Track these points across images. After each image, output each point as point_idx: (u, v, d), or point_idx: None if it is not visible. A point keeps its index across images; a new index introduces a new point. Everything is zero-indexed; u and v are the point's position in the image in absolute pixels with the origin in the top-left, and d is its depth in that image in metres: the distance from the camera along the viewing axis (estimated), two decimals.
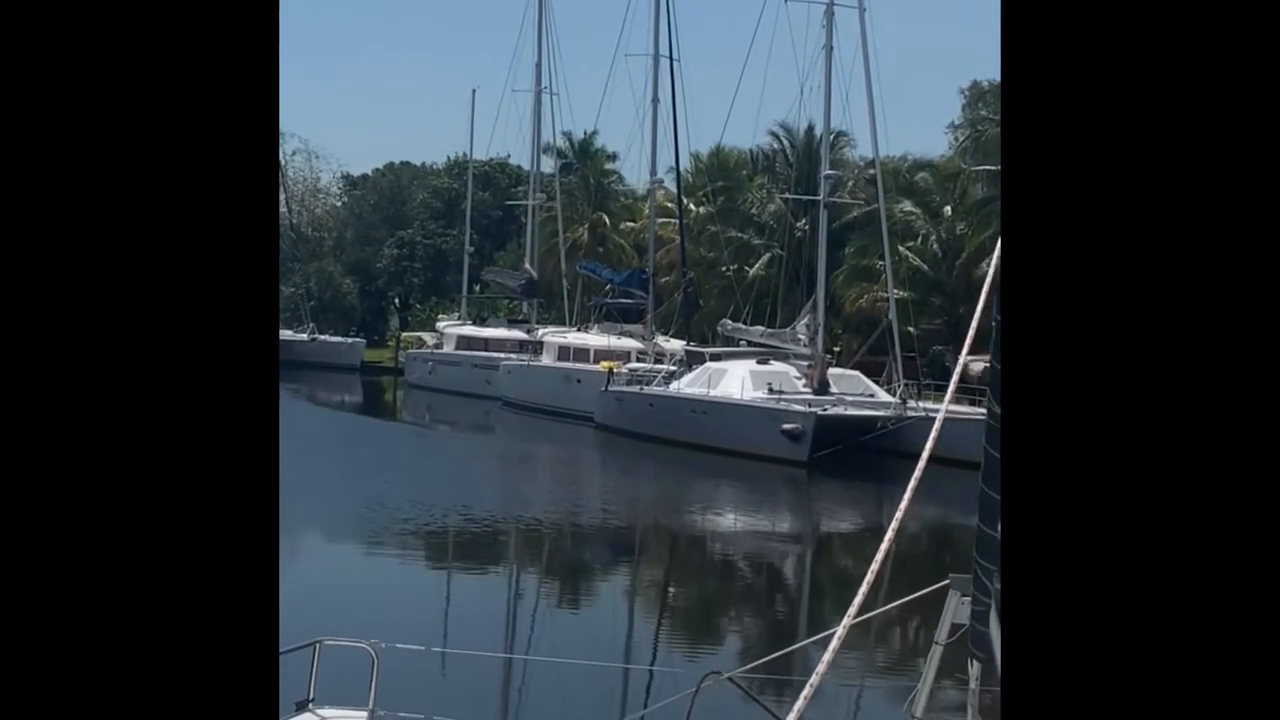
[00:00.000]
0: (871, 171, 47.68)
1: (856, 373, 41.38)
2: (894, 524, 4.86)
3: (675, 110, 49.63)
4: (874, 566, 4.71)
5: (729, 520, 30.26)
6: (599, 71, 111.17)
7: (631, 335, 52.07)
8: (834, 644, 4.47)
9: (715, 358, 42.54)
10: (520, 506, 28.11)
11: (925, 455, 5.16)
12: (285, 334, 69.53)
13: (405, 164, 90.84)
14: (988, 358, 4.67)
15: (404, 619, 16.66)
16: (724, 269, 53.81)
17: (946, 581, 5.82)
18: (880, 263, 44.96)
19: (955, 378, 6.39)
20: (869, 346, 44.22)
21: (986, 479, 4.85)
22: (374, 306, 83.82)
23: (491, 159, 77.46)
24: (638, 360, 48.70)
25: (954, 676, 6.29)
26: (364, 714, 7.67)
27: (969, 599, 5.51)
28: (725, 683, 7.59)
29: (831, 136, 46.11)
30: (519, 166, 75.02)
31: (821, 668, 4.42)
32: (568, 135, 69.12)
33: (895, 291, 41.94)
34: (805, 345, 42.10)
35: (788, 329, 43.64)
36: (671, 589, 22.77)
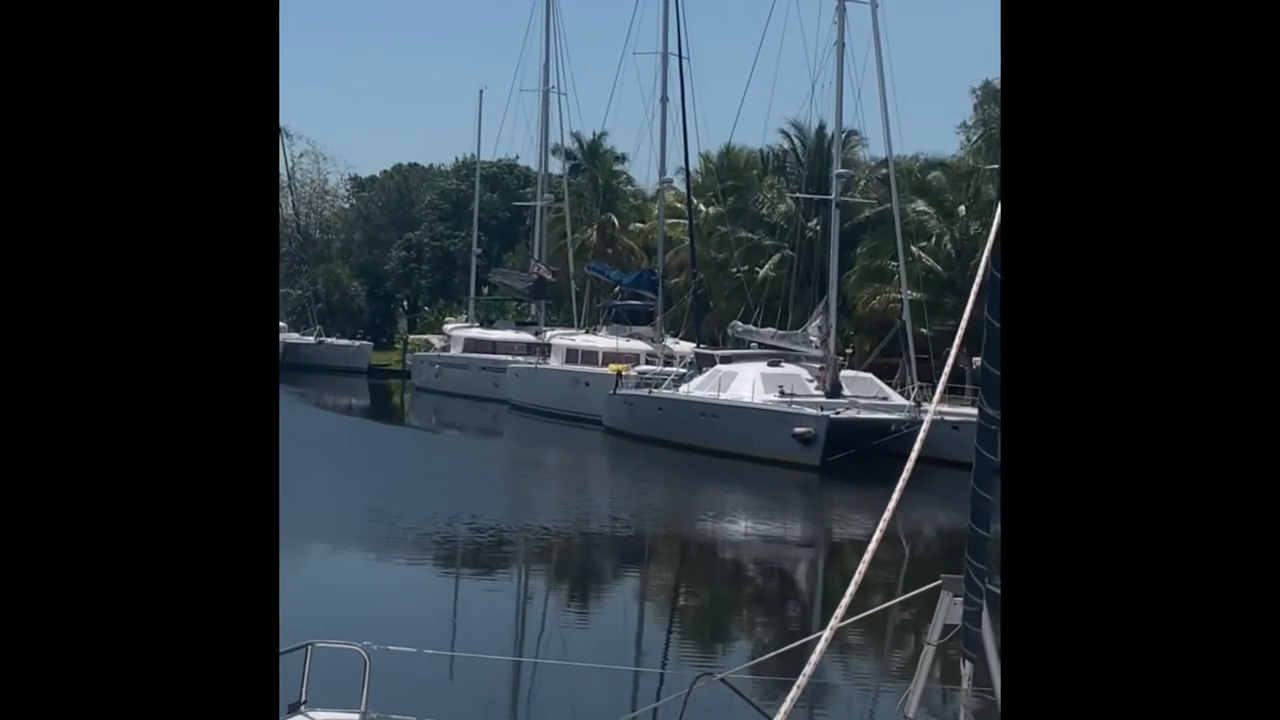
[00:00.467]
0: (883, 171, 47.20)
1: (869, 375, 40.91)
2: (882, 524, 4.93)
3: (684, 109, 49.40)
4: (861, 567, 4.79)
5: (740, 526, 29.78)
6: (607, 70, 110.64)
7: (640, 337, 51.78)
8: (821, 645, 4.49)
9: (725, 360, 42.07)
10: (527, 514, 27.67)
11: (913, 456, 5.14)
12: (292, 337, 69.56)
13: (413, 165, 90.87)
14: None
15: (407, 624, 16.27)
16: (734, 270, 53.31)
17: (939, 582, 5.84)
18: (893, 263, 44.43)
19: (944, 378, 6.31)
20: (882, 349, 43.65)
21: (978, 480, 4.91)
22: (382, 309, 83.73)
23: (499, 160, 77.25)
24: (647, 363, 48.37)
25: (947, 677, 6.25)
26: (356, 716, 7.71)
27: (961, 599, 5.56)
28: (721, 686, 7.68)
29: (843, 135, 45.53)
30: (527, 167, 74.79)
31: (809, 669, 4.43)
32: (577, 136, 69.00)
33: (909, 292, 41.34)
34: (817, 347, 41.57)
35: (799, 331, 43.09)
36: (680, 595, 22.47)
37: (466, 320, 66.79)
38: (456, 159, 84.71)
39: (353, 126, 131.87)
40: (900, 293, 41.97)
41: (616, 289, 56.37)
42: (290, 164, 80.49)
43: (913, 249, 45.90)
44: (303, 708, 7.54)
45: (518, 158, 76.80)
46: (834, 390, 38.69)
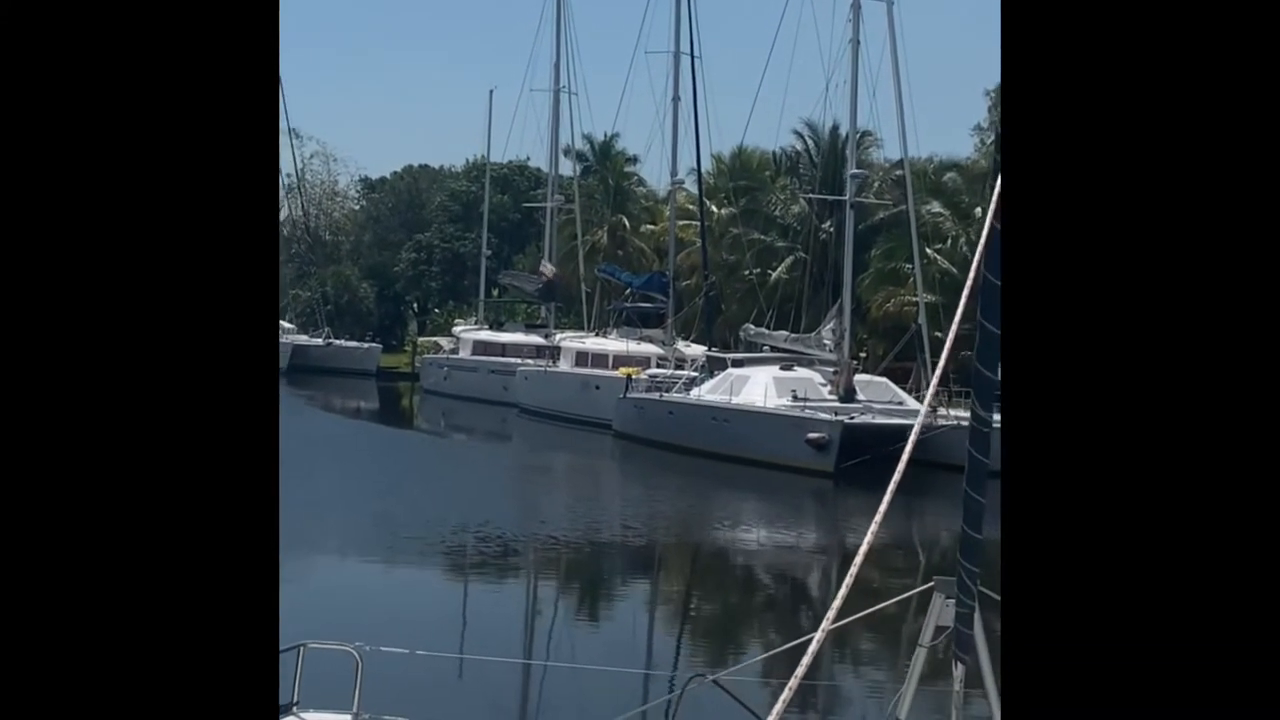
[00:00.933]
0: (898, 173, 46.67)
1: (884, 379, 40.32)
2: (874, 525, 4.94)
3: (696, 109, 48.97)
4: (853, 569, 4.79)
5: (754, 534, 29.32)
6: (619, 69, 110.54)
7: (651, 340, 51.40)
8: (813, 647, 4.52)
9: (737, 364, 41.54)
10: (536, 524, 27.20)
11: (904, 458, 5.17)
12: (300, 339, 69.39)
13: (423, 167, 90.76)
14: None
15: (410, 629, 16.01)
16: (747, 272, 52.77)
17: (931, 584, 5.89)
18: (907, 265, 43.94)
19: (934, 382, 6.40)
20: (897, 352, 43.06)
21: (970, 482, 4.99)
22: (391, 311, 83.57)
23: (510, 161, 76.87)
24: (657, 366, 47.85)
25: (938, 679, 6.45)
26: (348, 717, 7.80)
27: (953, 601, 5.62)
28: (715, 688, 7.73)
29: (858, 135, 44.98)
30: (538, 169, 74.29)
31: (801, 670, 4.43)
32: (588, 138, 68.49)
33: (924, 295, 40.73)
34: (830, 351, 41.08)
35: (812, 334, 42.64)
36: (691, 603, 22.23)
37: (476, 322, 66.41)
38: (467, 160, 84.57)
39: (363, 128, 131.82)
40: (915, 295, 41.43)
41: (627, 291, 55.98)
42: (300, 165, 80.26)
43: (928, 251, 45.32)
44: (294, 709, 7.58)
45: (528, 159, 76.52)
46: (848, 395, 38.12)
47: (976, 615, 5.48)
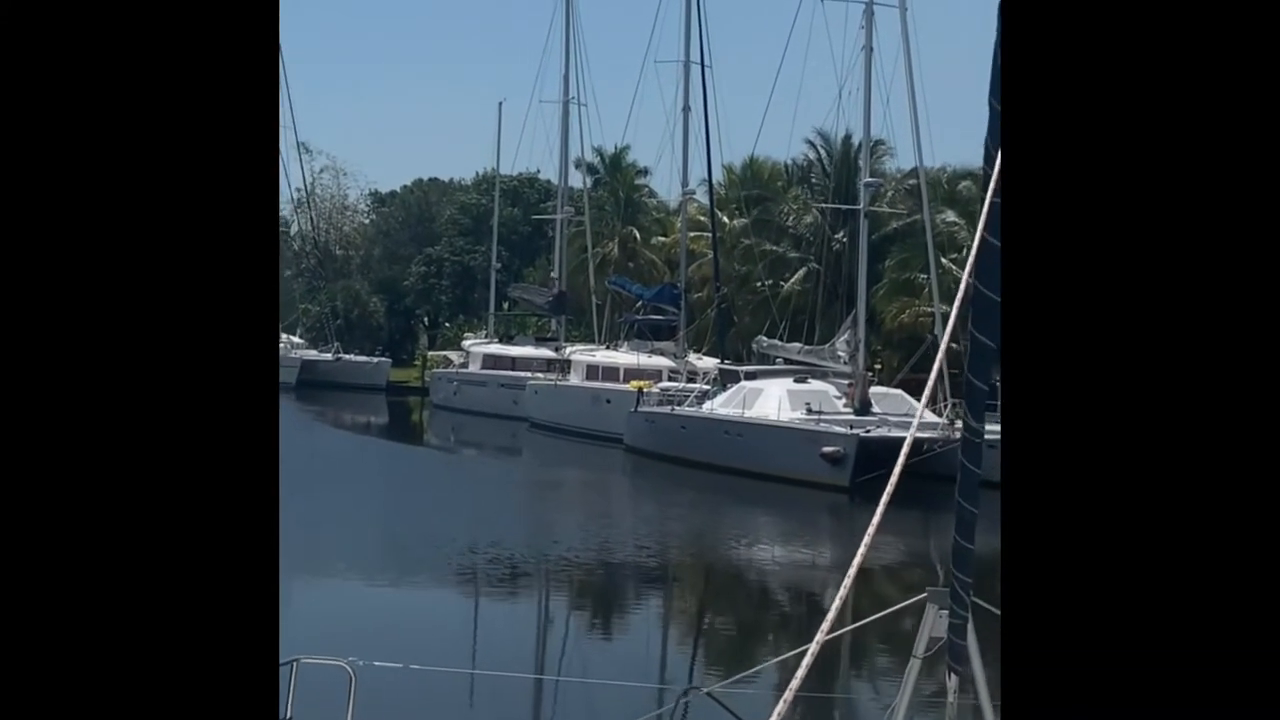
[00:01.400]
0: (911, 182, 46.20)
1: (899, 391, 39.80)
2: (867, 537, 4.92)
3: (707, 118, 48.73)
4: (847, 581, 4.81)
5: (769, 552, 28.88)
6: (628, 80, 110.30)
7: (663, 353, 50.93)
8: (807, 659, 4.59)
9: (750, 376, 41.03)
10: (548, 543, 26.82)
11: (898, 469, 4.98)
12: (310, 354, 69.30)
13: (433, 180, 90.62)
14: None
15: (416, 648, 15.84)
16: (759, 283, 52.30)
17: (924, 595, 5.88)
18: (922, 276, 43.53)
19: (928, 387, 6.42)
20: (913, 364, 42.55)
21: (962, 492, 5.03)
22: (401, 325, 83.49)
23: (520, 173, 76.70)
24: (669, 379, 47.36)
25: (932, 690, 6.45)
26: None
27: (946, 612, 5.64)
28: (710, 701, 7.76)
29: (871, 144, 44.56)
30: (548, 181, 74.11)
31: (795, 682, 4.49)
32: (598, 150, 68.26)
33: (940, 306, 40.23)
34: (845, 363, 40.54)
35: (826, 346, 42.08)
36: (705, 620, 22.10)
37: (486, 336, 66.11)
38: (477, 173, 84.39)
39: (372, 141, 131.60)
40: (931, 306, 40.94)
41: (638, 304, 55.68)
42: (310, 179, 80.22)
43: (943, 261, 44.76)
44: None
45: (538, 171, 76.34)
46: (863, 407, 37.63)
47: (970, 626, 5.54)
